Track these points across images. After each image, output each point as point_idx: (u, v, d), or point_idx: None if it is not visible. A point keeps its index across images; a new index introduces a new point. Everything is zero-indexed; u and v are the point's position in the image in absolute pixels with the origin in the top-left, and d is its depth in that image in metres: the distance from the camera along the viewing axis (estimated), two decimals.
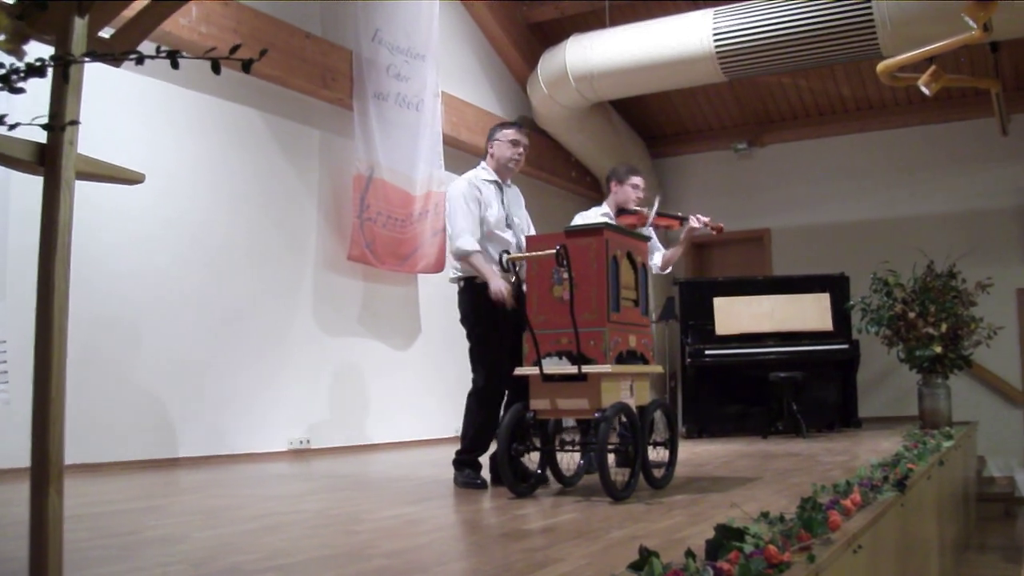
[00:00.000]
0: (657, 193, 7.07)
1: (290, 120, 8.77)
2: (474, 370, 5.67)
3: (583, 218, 6.80)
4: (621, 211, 6.87)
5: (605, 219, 6.67)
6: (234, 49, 2.04)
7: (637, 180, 6.95)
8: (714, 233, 7.07)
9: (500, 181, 5.87)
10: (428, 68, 10.08)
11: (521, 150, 5.93)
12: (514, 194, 5.99)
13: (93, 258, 6.75)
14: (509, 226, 5.76)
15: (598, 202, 10.07)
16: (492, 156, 5.90)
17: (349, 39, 9.30)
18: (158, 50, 2.08)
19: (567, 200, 13.61)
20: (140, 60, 2.10)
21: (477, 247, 5.55)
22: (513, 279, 5.35)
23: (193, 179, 7.80)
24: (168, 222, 7.52)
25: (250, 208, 8.28)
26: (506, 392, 5.65)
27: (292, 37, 8.54)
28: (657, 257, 7.06)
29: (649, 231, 6.92)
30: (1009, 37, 9.81)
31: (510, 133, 5.93)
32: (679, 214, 7.04)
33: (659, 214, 6.90)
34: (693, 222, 6.86)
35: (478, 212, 5.64)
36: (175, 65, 2.07)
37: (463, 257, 5.56)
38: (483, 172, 5.88)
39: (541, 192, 12.85)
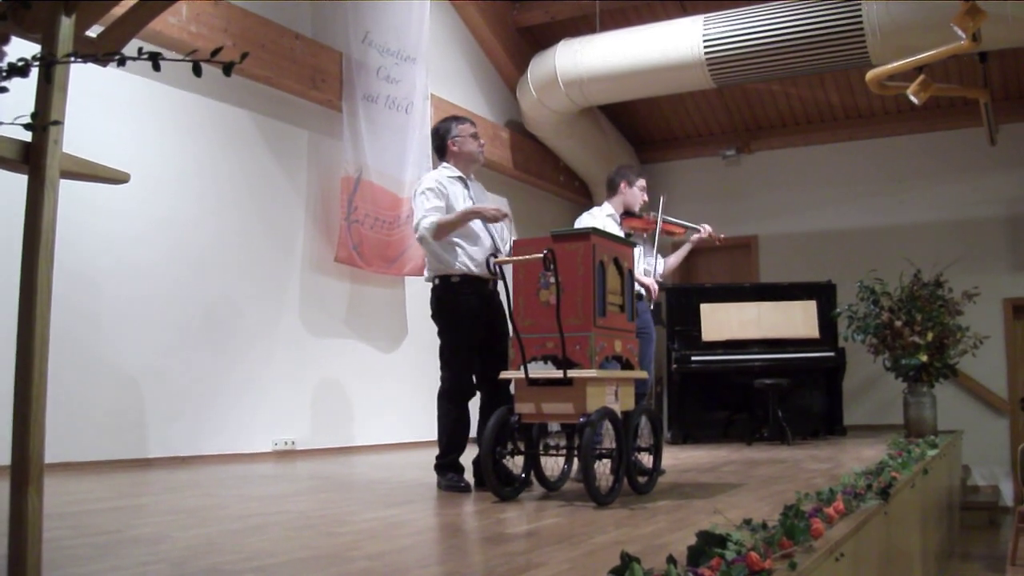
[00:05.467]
0: (661, 193, 7.06)
1: (279, 121, 8.76)
2: (443, 369, 5.65)
3: (591, 216, 6.78)
4: (627, 214, 6.88)
5: (611, 220, 6.69)
6: (216, 52, 2.04)
7: (644, 183, 6.97)
8: (717, 243, 7.16)
9: (464, 177, 5.85)
10: (418, 71, 10.07)
11: (482, 142, 5.94)
12: (479, 189, 5.96)
13: (78, 255, 6.73)
14: None
15: (587, 206, 10.08)
16: (455, 153, 5.84)
17: (339, 40, 9.30)
18: (140, 52, 2.08)
19: (555, 204, 13.63)
20: (122, 62, 2.10)
21: (438, 215, 5.51)
22: (499, 282, 5.35)
23: (180, 178, 7.79)
24: (155, 221, 7.50)
25: (237, 208, 8.26)
26: (477, 392, 5.65)
27: (282, 38, 8.53)
28: (660, 266, 7.09)
29: (652, 236, 6.96)
30: (998, 47, 9.83)
31: (468, 127, 5.90)
32: (686, 223, 7.10)
33: (666, 221, 6.95)
34: (701, 232, 6.94)
35: (442, 204, 5.59)
36: (156, 67, 2.06)
37: (431, 231, 5.46)
38: (446, 171, 5.83)
39: (529, 196, 12.87)
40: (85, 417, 6.76)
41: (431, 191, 5.63)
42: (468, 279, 5.56)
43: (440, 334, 5.70)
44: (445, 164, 5.90)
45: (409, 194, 9.61)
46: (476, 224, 5.64)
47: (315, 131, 9.17)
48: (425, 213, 5.54)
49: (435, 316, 5.72)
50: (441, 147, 5.94)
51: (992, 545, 10.17)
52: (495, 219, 5.54)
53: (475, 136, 5.90)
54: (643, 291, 6.76)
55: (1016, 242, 12.60)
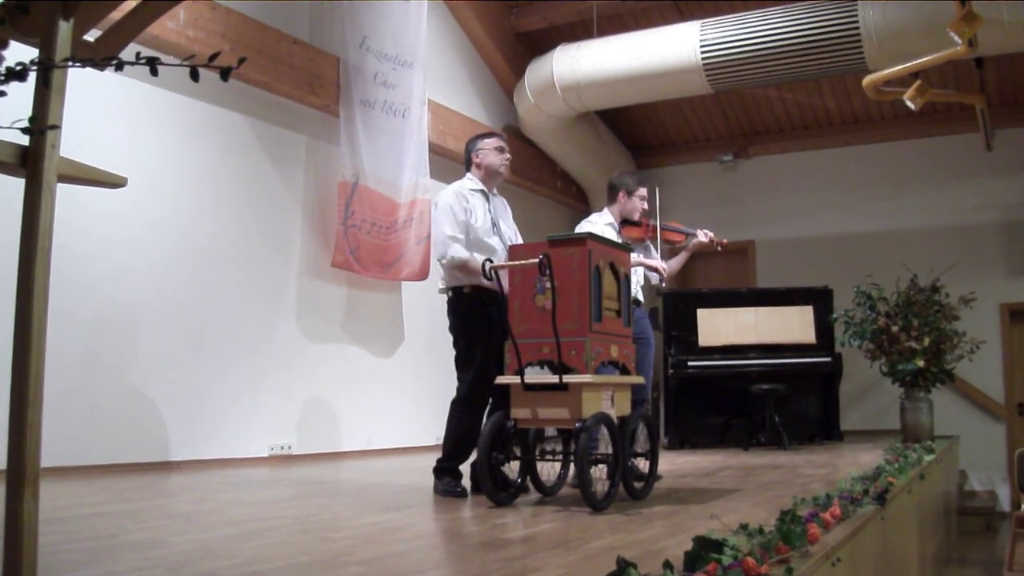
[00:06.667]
0: (657, 192, 7.08)
1: (276, 125, 8.76)
2: (459, 378, 5.65)
3: (590, 223, 6.78)
4: (626, 222, 6.87)
5: (610, 228, 6.69)
6: (213, 57, 2.04)
7: (645, 192, 6.96)
8: (719, 249, 7.16)
9: (486, 190, 5.87)
10: (415, 76, 10.07)
11: (508, 156, 5.97)
12: (501, 203, 5.99)
13: (76, 258, 6.72)
14: (495, 234, 5.75)
15: (584, 212, 10.08)
16: (479, 166, 5.89)
17: (336, 45, 9.30)
18: (138, 56, 2.08)
19: (552, 209, 13.63)
20: (120, 67, 2.10)
21: (468, 254, 5.54)
22: (496, 287, 5.35)
23: (178, 183, 7.78)
24: (152, 225, 7.49)
25: (235, 213, 8.26)
26: (490, 400, 5.64)
27: (279, 43, 8.53)
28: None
29: (648, 246, 6.95)
30: (994, 53, 9.86)
31: (495, 141, 5.95)
32: (685, 229, 7.09)
33: (665, 228, 6.94)
34: (702, 237, 6.94)
35: (465, 220, 5.63)
36: (154, 72, 2.07)
37: (459, 266, 5.54)
38: (469, 182, 5.88)
39: (526, 201, 12.85)
40: (81, 421, 6.75)
41: (453, 209, 5.66)
42: (480, 290, 5.56)
43: (456, 344, 5.70)
44: (469, 176, 5.94)
45: (406, 199, 9.66)
46: (487, 234, 5.66)
47: (312, 136, 9.17)
48: (450, 239, 5.58)
49: (451, 327, 5.74)
50: (467, 158, 6.00)
51: (989, 550, 10.18)
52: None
53: (500, 150, 5.95)
54: (655, 278, 6.77)
55: (1012, 247, 12.61)
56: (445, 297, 5.78)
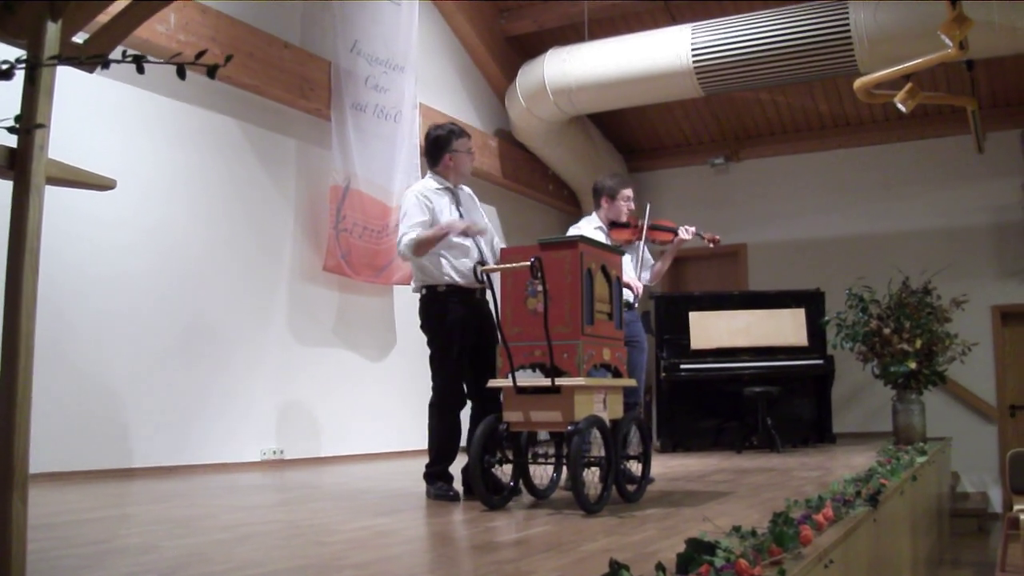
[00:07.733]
0: (647, 201, 7.06)
1: (267, 129, 8.74)
2: (434, 379, 5.63)
3: (576, 229, 6.76)
4: (614, 224, 6.86)
5: (599, 232, 6.66)
6: (200, 55, 2.03)
7: (628, 192, 6.90)
8: (711, 245, 7.13)
9: (452, 187, 5.82)
10: (406, 79, 10.07)
11: (475, 156, 5.94)
12: (467, 197, 5.91)
13: (66, 263, 6.70)
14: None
15: (575, 216, 10.06)
16: (449, 167, 5.79)
17: (328, 49, 9.29)
18: (124, 54, 2.07)
19: (544, 213, 13.62)
20: (106, 65, 2.09)
21: (416, 231, 5.46)
22: (487, 291, 5.34)
23: (168, 187, 7.76)
24: (142, 229, 7.47)
25: (226, 217, 8.24)
26: (467, 402, 5.63)
27: (270, 46, 8.51)
28: (646, 273, 7.06)
29: (640, 246, 6.93)
30: (985, 55, 9.87)
31: (467, 142, 5.87)
32: (671, 226, 7.06)
33: (652, 227, 6.92)
34: (682, 234, 6.90)
35: (425, 220, 5.54)
36: (140, 70, 2.06)
37: (411, 247, 5.44)
38: (433, 182, 5.80)
39: (518, 205, 12.87)
40: (72, 427, 6.72)
41: (415, 207, 5.60)
42: (454, 289, 5.54)
43: (429, 344, 5.68)
44: (432, 174, 5.86)
45: (398, 203, 9.62)
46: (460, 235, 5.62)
47: (303, 140, 9.15)
48: (406, 230, 5.52)
49: (423, 327, 5.70)
50: (435, 156, 5.86)
51: (981, 552, 10.19)
52: (466, 234, 5.52)
53: (470, 151, 5.90)
54: (630, 296, 6.73)
55: (1004, 249, 12.62)
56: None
